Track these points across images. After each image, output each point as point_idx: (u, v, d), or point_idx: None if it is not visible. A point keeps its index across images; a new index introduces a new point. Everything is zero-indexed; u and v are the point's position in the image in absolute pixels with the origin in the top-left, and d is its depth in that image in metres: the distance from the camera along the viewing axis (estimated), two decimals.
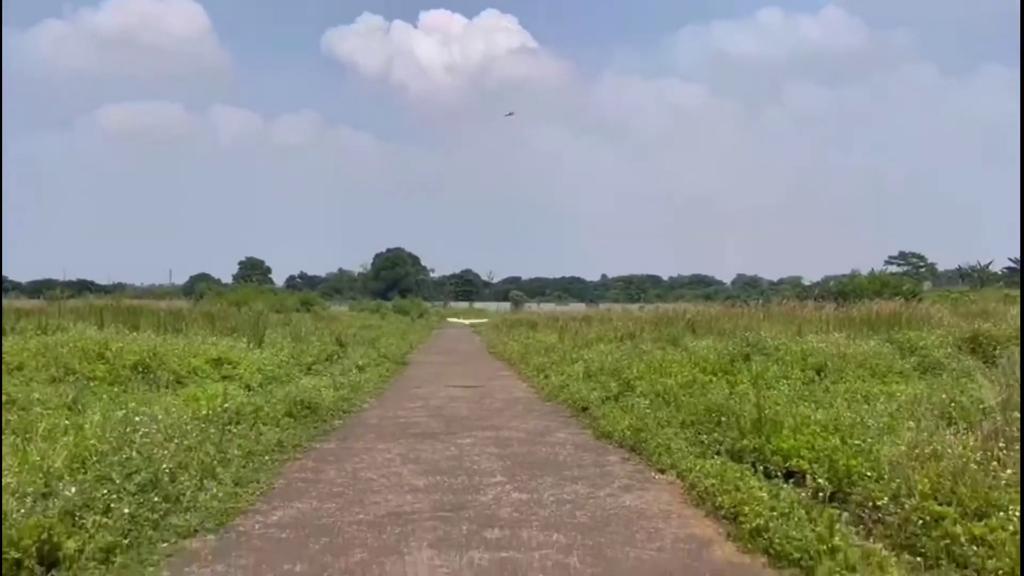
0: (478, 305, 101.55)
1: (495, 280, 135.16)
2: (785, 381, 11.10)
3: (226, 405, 9.91)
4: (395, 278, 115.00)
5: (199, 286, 71.67)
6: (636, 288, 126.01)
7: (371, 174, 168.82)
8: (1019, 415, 5.52)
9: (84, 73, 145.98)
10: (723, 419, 8.51)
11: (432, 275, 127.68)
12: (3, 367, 11.16)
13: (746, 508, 5.73)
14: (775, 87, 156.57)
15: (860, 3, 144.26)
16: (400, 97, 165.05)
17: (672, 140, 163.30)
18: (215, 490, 6.61)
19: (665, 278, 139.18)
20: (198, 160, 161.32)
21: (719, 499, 6.19)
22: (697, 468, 7.09)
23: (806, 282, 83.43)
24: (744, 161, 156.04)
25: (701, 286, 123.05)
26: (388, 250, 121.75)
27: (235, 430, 9.03)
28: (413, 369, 20.36)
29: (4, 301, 28.36)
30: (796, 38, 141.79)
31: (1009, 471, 5.03)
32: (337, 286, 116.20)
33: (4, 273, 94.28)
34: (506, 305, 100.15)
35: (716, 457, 7.46)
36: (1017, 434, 5.75)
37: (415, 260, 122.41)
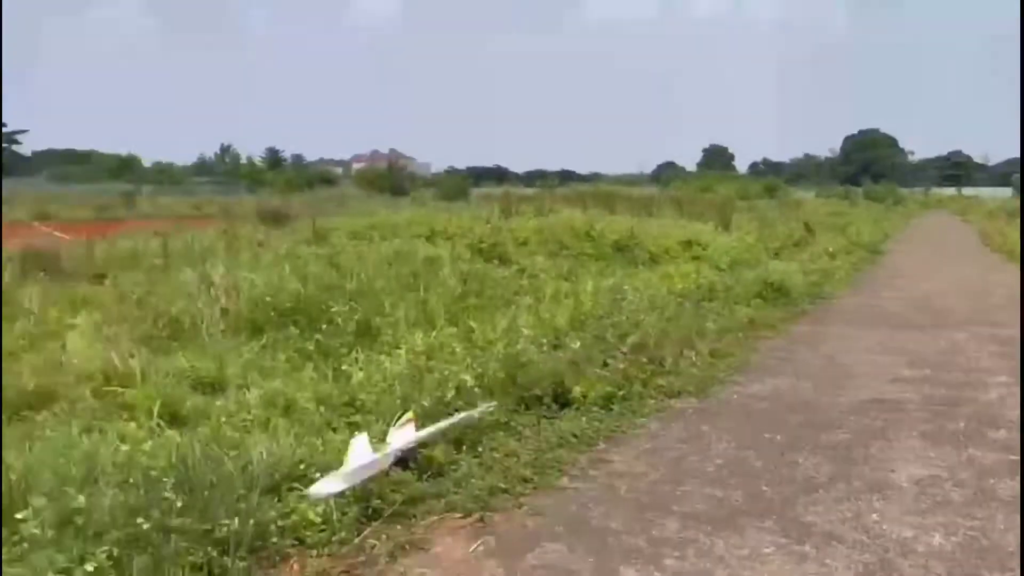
0: (968, 191, 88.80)
1: (992, 162, 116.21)
2: None
3: (699, 283, 10.33)
4: (867, 162, 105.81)
5: (666, 174, 74.70)
6: None
7: (839, 49, 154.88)
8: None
9: None
10: None
11: (911, 158, 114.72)
12: (511, 240, 13.06)
13: None
14: None
15: None
16: None
17: None
18: (694, 359, 7.00)
19: None
20: (667, 50, 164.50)
21: None
22: None
23: None
24: None
25: None
26: (860, 132, 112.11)
27: (708, 307, 9.38)
28: (888, 258, 18.82)
29: (509, 189, 32.87)
30: None
31: None
32: (801, 172, 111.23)
33: (506, 166, 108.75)
34: (1006, 191, 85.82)
35: None
36: None
37: (892, 142, 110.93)
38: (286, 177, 55.04)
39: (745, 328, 8.75)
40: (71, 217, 26.17)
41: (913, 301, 11.38)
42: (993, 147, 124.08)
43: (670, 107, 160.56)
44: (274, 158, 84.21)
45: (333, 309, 6.57)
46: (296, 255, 9.49)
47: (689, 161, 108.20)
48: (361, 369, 5.28)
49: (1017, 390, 6.25)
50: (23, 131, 67.06)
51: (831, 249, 17.40)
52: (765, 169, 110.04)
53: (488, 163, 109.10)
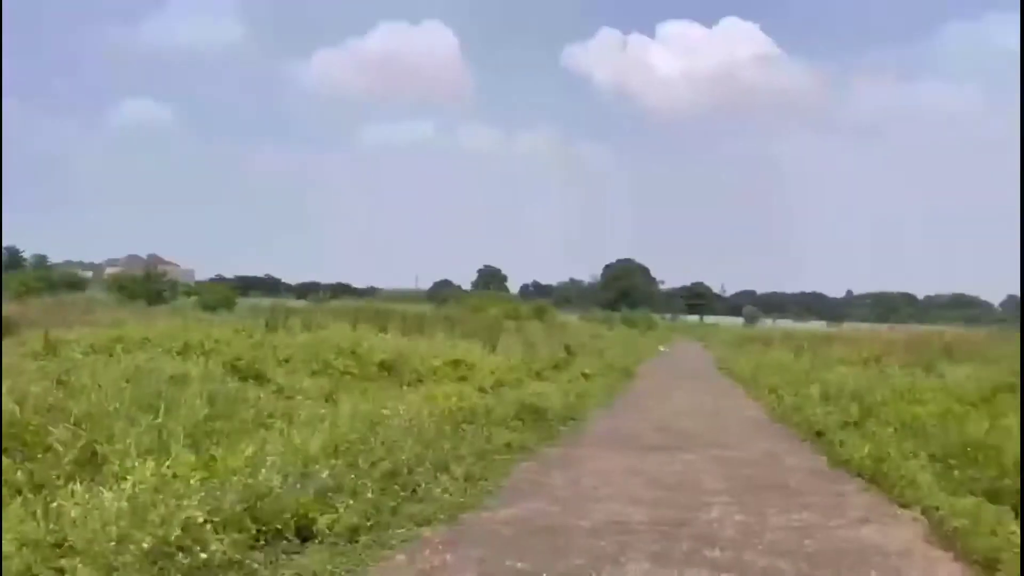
0: (709, 319, 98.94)
1: (728, 294, 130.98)
2: None
3: (460, 405, 10.51)
4: (624, 289, 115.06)
5: (442, 292, 76.39)
6: (886, 307, 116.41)
7: (605, 185, 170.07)
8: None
9: (350, 96, 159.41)
10: (980, 455, 7.67)
11: (661, 287, 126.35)
12: (273, 357, 12.61)
13: (1004, 555, 5.14)
14: None
15: None
16: (637, 108, 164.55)
17: (934, 147, 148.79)
18: (448, 484, 7.04)
19: (920, 297, 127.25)
20: (445, 175, 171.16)
21: (972, 542, 5.60)
22: (947, 506, 6.45)
23: None
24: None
25: (963, 307, 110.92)
26: (618, 261, 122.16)
27: (467, 429, 9.52)
28: (639, 381, 20.31)
29: (278, 301, 31.95)
30: None
31: None
32: (567, 296, 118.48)
33: (279, 276, 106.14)
34: (738, 320, 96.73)
35: (970, 496, 6.73)
36: None
37: (645, 271, 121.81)
38: (22, 279, 48.55)
39: (502, 451, 8.98)
40: None
41: (657, 423, 12.28)
42: (729, 280, 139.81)
43: (448, 226, 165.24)
44: (12, 258, 75.94)
45: (53, 434, 5.92)
46: (19, 370, 8.50)
47: (465, 280, 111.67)
48: (77, 504, 4.75)
49: (735, 509, 6.89)
50: None
51: (587, 371, 18.49)
52: (534, 291, 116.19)
53: (259, 272, 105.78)
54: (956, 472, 7.56)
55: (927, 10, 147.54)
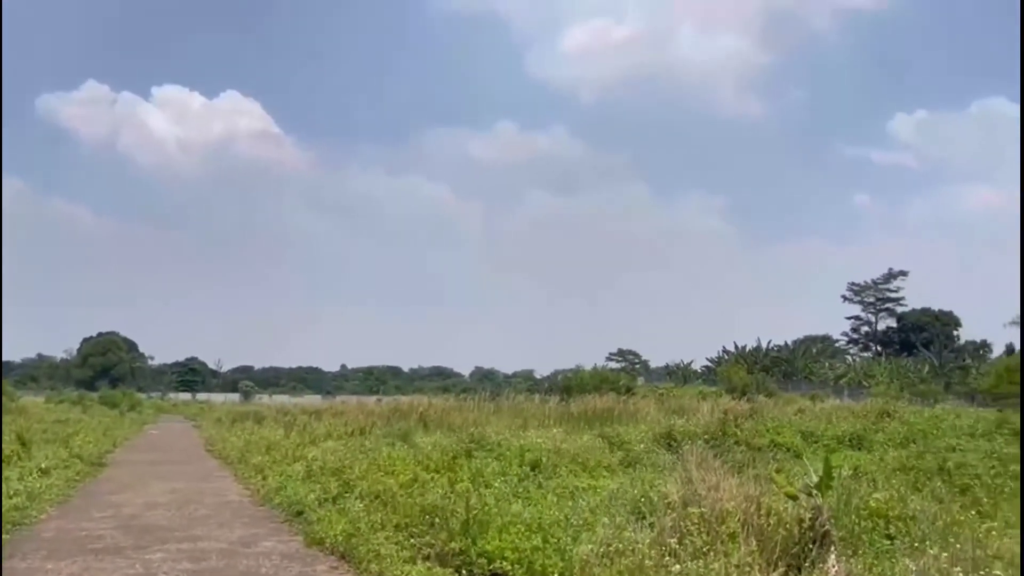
0: (202, 396, 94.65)
1: (224, 369, 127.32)
2: (502, 478, 11.31)
3: None
4: (106, 365, 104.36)
5: None
6: (376, 379, 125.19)
7: (84, 250, 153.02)
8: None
9: None
10: (436, 520, 8.40)
11: (151, 363, 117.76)
12: None
13: None
14: (513, 192, 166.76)
15: (582, 126, 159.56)
16: (127, 171, 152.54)
17: (416, 235, 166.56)
18: None
19: (406, 369, 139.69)
20: None
21: None
22: (403, 575, 6.87)
23: (538, 375, 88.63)
24: (484, 259, 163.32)
25: (441, 378, 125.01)
26: (99, 334, 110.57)
27: None
28: (113, 471, 18.23)
29: None
30: (529, 151, 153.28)
31: (678, 566, 5.40)
32: (34, 374, 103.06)
33: None
34: (235, 396, 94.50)
35: (424, 562, 7.28)
36: (691, 527, 6.23)
37: (132, 346, 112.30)
38: None
39: None
40: None
41: (123, 520, 11.03)
42: (225, 355, 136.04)
43: None
44: None
45: None
46: None
47: None
48: None
49: None
50: None
51: (45, 465, 15.96)
52: None
53: None
54: (415, 540, 8.15)
55: (411, 115, 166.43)
